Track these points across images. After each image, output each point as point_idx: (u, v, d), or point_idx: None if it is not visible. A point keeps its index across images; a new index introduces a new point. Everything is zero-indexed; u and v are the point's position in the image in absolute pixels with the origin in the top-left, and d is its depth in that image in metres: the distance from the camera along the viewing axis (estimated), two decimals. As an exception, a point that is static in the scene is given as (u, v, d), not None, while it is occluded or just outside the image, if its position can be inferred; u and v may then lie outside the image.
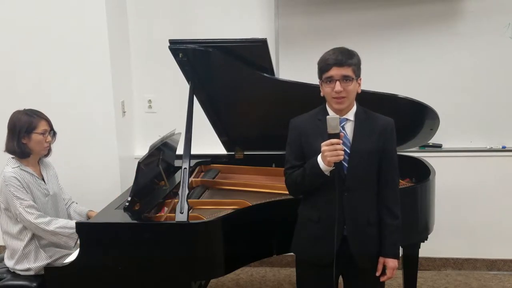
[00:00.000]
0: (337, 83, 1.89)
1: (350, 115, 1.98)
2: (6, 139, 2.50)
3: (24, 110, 2.53)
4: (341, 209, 1.93)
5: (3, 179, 2.42)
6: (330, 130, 1.84)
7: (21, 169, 2.47)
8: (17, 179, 2.42)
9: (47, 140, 2.53)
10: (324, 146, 1.84)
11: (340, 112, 1.96)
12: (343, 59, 1.90)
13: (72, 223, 2.42)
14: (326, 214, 1.95)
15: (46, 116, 2.55)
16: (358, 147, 1.94)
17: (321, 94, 1.99)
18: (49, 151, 2.60)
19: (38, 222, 2.40)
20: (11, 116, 2.52)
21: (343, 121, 1.96)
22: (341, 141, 1.84)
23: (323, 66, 1.93)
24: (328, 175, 1.90)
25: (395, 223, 1.99)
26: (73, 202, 2.80)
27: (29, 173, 2.51)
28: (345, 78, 1.90)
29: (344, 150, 1.90)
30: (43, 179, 2.59)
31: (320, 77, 1.97)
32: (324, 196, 1.95)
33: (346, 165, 1.93)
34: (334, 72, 1.89)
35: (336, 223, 1.91)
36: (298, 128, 2.03)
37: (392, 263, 2.00)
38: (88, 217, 2.73)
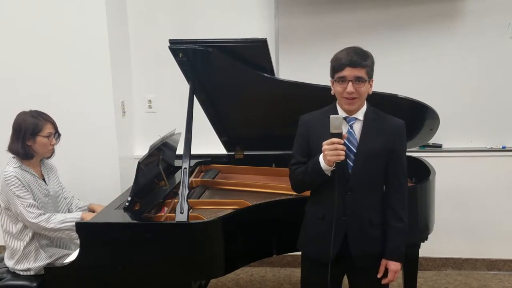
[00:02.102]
0: (350, 84, 1.87)
1: (360, 115, 1.96)
2: (10, 139, 2.50)
3: (30, 111, 2.52)
4: (343, 209, 1.93)
5: (4, 178, 2.42)
6: (333, 129, 1.83)
7: (22, 169, 2.47)
8: (18, 178, 2.42)
9: (52, 143, 2.53)
10: (325, 145, 1.83)
11: (350, 112, 1.96)
12: (357, 60, 1.86)
13: (71, 216, 2.45)
14: (330, 212, 1.94)
15: (51, 119, 2.54)
16: (364, 147, 1.93)
17: (332, 92, 1.98)
18: (52, 153, 2.59)
19: (38, 221, 2.40)
20: (16, 116, 2.51)
21: (352, 120, 1.95)
22: (342, 141, 1.82)
23: (336, 66, 1.90)
24: (329, 175, 1.89)
25: (400, 225, 1.97)
26: (75, 199, 2.81)
27: (30, 173, 2.51)
28: (358, 80, 1.87)
29: (351, 150, 1.90)
30: (43, 180, 2.59)
31: (332, 75, 1.94)
32: (328, 194, 1.93)
33: (351, 164, 1.92)
34: (347, 72, 1.87)
35: (334, 223, 1.90)
36: (306, 124, 2.03)
37: (394, 266, 1.98)
38: (90, 210, 2.73)
